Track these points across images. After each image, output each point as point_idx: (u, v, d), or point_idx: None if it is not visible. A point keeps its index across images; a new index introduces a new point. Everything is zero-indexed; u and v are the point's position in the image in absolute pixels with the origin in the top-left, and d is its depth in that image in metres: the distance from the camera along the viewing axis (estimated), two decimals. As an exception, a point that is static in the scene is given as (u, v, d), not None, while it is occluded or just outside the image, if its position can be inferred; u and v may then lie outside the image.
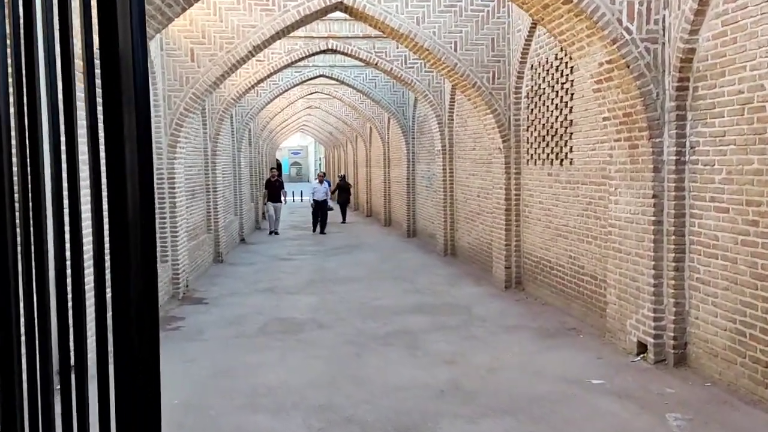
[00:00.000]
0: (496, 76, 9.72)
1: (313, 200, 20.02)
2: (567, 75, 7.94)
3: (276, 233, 19.66)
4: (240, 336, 7.67)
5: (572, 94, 7.82)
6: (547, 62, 8.56)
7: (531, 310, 8.57)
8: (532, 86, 9.17)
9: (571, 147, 7.91)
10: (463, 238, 13.16)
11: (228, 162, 16.10)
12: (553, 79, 8.38)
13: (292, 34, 12.42)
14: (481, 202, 11.70)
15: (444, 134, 13.69)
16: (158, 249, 9.36)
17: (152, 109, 9.09)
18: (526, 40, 9.07)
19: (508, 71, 9.71)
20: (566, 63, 7.94)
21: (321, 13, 9.59)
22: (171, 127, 9.36)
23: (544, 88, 8.68)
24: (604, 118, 6.33)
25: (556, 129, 8.32)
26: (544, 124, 8.74)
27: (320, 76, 17.43)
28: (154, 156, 9.23)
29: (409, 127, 17.85)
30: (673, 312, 5.64)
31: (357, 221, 25.69)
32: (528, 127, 9.36)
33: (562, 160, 8.20)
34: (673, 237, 5.61)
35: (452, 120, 13.56)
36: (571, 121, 7.88)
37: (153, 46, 8.84)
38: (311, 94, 21.67)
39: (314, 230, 20.02)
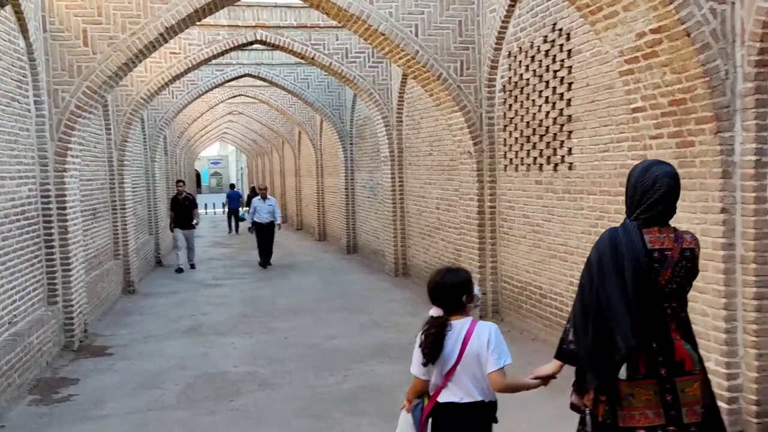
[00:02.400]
0: (464, 67, 8.16)
1: (253, 222, 14.73)
2: (562, 61, 6.46)
3: (192, 266, 14.64)
4: (154, 408, 5.70)
5: (570, 84, 6.35)
6: (532, 47, 7.06)
7: (521, 348, 6.99)
8: (510, 77, 7.66)
9: (570, 149, 6.42)
10: (417, 256, 11.55)
11: (140, 174, 13.88)
12: (541, 66, 6.88)
13: (213, 21, 10.51)
14: (442, 214, 10.12)
15: (392, 138, 12.06)
16: (42, 287, 7.23)
17: (32, 107, 6.98)
18: (502, 22, 7.55)
19: (479, 60, 8.17)
20: (561, 46, 6.46)
21: (251, -12, 7.75)
22: (59, 131, 7.27)
23: (528, 79, 7.19)
24: (634, 110, 4.83)
25: (547, 127, 6.83)
26: (528, 122, 7.24)
27: (245, 75, 15.50)
28: (36, 168, 7.12)
29: (346, 131, 16.14)
30: (754, 367, 4.18)
31: (287, 235, 23.67)
32: (505, 126, 7.84)
33: (556, 164, 6.70)
34: (753, 266, 4.16)
35: (401, 122, 11.95)
36: (569, 116, 6.39)
37: (32, 26, 6.76)
38: (234, 97, 19.59)
39: (261, 262, 14.60)
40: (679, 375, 2.60)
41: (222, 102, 19.87)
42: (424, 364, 2.86)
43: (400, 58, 8.33)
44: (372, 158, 14.50)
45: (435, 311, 2.91)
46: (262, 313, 9.76)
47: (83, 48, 7.25)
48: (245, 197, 41.19)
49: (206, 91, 15.29)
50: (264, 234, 14.72)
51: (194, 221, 14.76)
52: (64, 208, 7.44)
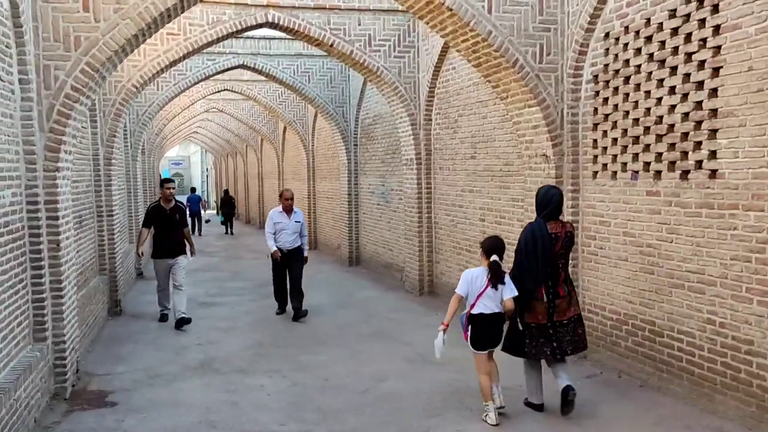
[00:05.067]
0: (544, 51, 6.83)
1: (278, 249, 9.40)
2: (704, 40, 5.17)
3: (183, 321, 8.84)
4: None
5: (717, 69, 5.06)
6: (648, 24, 5.77)
7: (632, 400, 5.68)
8: (607, 64, 6.35)
9: (713, 152, 5.14)
10: (449, 273, 10.17)
11: (121, 174, 12.16)
12: (664, 49, 5.59)
13: None
14: (490, 228, 8.76)
15: (419, 139, 10.66)
16: (28, 320, 5.60)
17: (16, 88, 5.36)
18: (600, -3, 6.24)
19: (562, 44, 6.85)
20: (702, 21, 5.17)
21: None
22: (50, 119, 5.66)
23: (640, 65, 5.89)
24: None
25: (672, 125, 5.53)
26: (638, 119, 5.94)
27: (240, 66, 13.93)
28: (22, 166, 5.50)
29: (350, 131, 14.68)
30: None
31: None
32: (597, 124, 6.53)
33: (686, 171, 5.41)
34: None
35: (430, 120, 10.56)
36: (715, 111, 5.11)
37: (17, -20, 5.15)
38: (218, 92, 17.92)
39: (279, 307, 9.81)
40: (558, 298, 5.14)
41: (205, 97, 18.18)
42: (494, 287, 5.11)
43: (465, 41, 6.95)
44: (384, 161, 13.09)
45: (495, 257, 5.14)
46: (282, 342, 8.24)
47: (83, 14, 5.65)
48: (212, 202, 39.81)
49: (195, 83, 13.66)
50: (288, 266, 9.42)
51: (188, 249, 9.37)
52: (56, 218, 5.82)
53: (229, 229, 26.47)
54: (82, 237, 8.10)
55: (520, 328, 5.23)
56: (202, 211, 28.16)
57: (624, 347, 6.21)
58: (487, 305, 5.10)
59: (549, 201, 5.20)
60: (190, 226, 26.71)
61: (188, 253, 9.42)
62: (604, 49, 6.38)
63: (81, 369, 6.70)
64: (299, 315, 9.29)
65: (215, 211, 31.63)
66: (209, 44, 9.80)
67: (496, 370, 5.33)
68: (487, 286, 5.07)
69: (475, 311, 5.11)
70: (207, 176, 56.94)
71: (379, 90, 11.04)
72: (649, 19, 5.76)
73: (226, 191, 30.74)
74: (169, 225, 9.17)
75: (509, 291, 5.10)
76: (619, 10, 6.15)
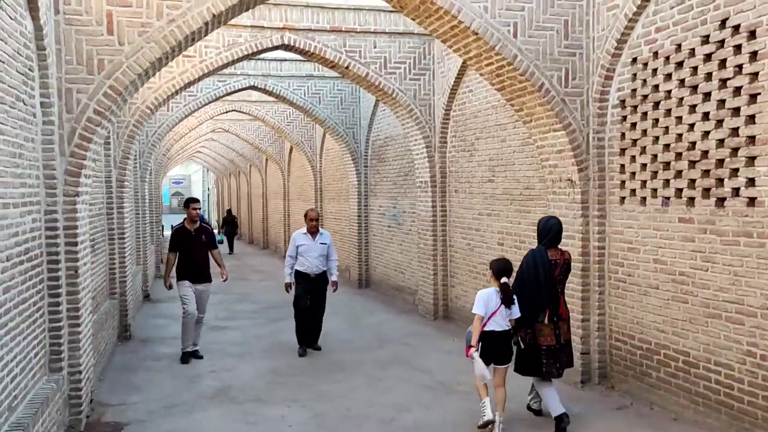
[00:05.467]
0: (569, 76, 6.75)
1: (297, 274, 8.70)
2: (739, 66, 5.08)
3: (194, 354, 8.45)
4: None
5: (755, 96, 4.96)
6: (679, 50, 5.68)
7: None
8: (635, 89, 6.27)
9: (751, 179, 5.02)
10: (465, 297, 10.01)
11: (131, 196, 12.03)
12: (697, 75, 5.50)
13: (234, 21, 8.92)
14: (509, 252, 8.61)
15: (433, 161, 10.57)
16: (44, 349, 5.44)
17: (38, 111, 5.26)
18: (628, 21, 6.17)
19: (588, 69, 6.77)
20: (737, 47, 5.09)
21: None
22: (72, 143, 5.54)
23: (671, 91, 5.79)
24: None
25: (706, 151, 5.43)
26: (669, 145, 5.83)
27: (250, 87, 13.87)
28: (42, 191, 5.37)
29: (360, 152, 14.60)
30: None
31: (277, 264, 21.91)
32: (624, 149, 6.43)
33: (722, 199, 5.29)
34: None
35: (445, 143, 10.47)
36: (752, 137, 5.00)
37: (42, 3, 5.06)
38: (226, 112, 17.87)
39: (300, 346, 8.71)
40: (560, 320, 5.54)
41: (212, 117, 18.12)
42: (507, 306, 5.45)
43: (490, 64, 6.87)
44: (395, 183, 12.99)
45: (505, 279, 5.46)
46: (297, 368, 8.06)
47: (107, 37, 5.57)
48: (213, 221, 39.75)
49: (206, 104, 13.58)
50: (310, 294, 8.67)
51: (222, 273, 9.00)
52: (75, 244, 5.68)
53: (230, 248, 26.47)
54: (94, 261, 7.96)
55: (522, 347, 5.61)
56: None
57: (656, 378, 6.04)
58: (498, 323, 5.49)
59: (549, 230, 5.66)
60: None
61: (221, 276, 9.06)
62: (632, 74, 6.29)
63: (94, 399, 6.52)
64: (313, 346, 8.83)
65: (217, 231, 31.80)
66: (224, 66, 9.73)
67: (503, 399, 5.55)
68: (500, 306, 5.45)
69: (487, 328, 5.47)
70: (208, 195, 56.82)
71: (394, 112, 10.97)
72: (679, 45, 5.68)
73: (229, 211, 30.93)
74: (195, 248, 8.50)
75: (516, 311, 5.54)
76: (647, 36, 6.08)
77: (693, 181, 5.57)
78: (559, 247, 5.69)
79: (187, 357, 8.36)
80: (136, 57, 5.61)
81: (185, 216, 8.72)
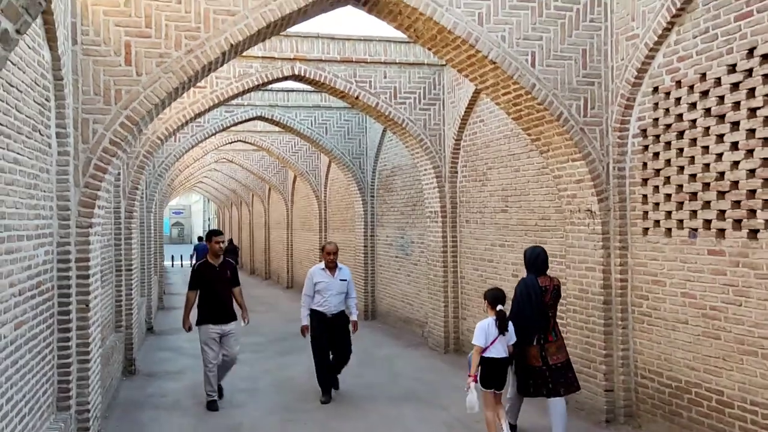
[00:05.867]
0: (588, 105, 6.67)
1: (313, 314, 7.91)
2: (769, 96, 5.00)
3: (214, 399, 7.64)
4: None
5: (786, 126, 4.87)
6: (703, 79, 5.61)
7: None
8: (656, 118, 6.18)
9: (785, 209, 4.90)
10: (478, 329, 9.80)
11: (137, 227, 11.89)
12: (723, 104, 5.41)
13: (246, 52, 8.88)
14: (525, 283, 8.45)
15: (444, 191, 10.46)
16: (53, 387, 5.24)
17: (53, 141, 5.15)
18: (650, 49, 6.11)
19: (607, 98, 6.70)
20: (766, 76, 5.00)
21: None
22: (86, 174, 5.42)
23: (696, 120, 5.70)
24: None
25: (736, 181, 5.31)
26: (695, 175, 5.72)
27: (257, 118, 13.84)
28: (55, 222, 5.23)
29: (367, 182, 14.51)
30: None
31: (276, 294, 21.74)
32: (647, 179, 6.32)
33: (755, 230, 5.15)
34: None
35: (456, 173, 10.38)
36: (785, 168, 4.89)
37: (60, 33, 4.98)
38: (231, 143, 17.84)
39: (324, 393, 7.94)
40: (547, 343, 5.85)
41: (218, 148, 18.09)
42: (502, 332, 5.75)
43: (507, 93, 6.80)
44: (403, 213, 12.87)
45: (500, 307, 5.83)
46: (310, 406, 7.82)
47: (124, 67, 5.49)
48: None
49: (212, 134, 13.53)
50: (331, 336, 7.86)
51: (243, 315, 7.97)
52: (87, 276, 5.53)
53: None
54: (102, 293, 7.78)
55: (515, 369, 6.05)
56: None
57: (687, 418, 5.83)
58: (498, 351, 5.78)
59: (536, 258, 6.05)
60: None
61: (241, 319, 7.90)
62: (653, 103, 6.22)
63: (103, 438, 6.29)
64: (332, 389, 8.09)
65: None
66: (235, 97, 9.69)
67: (503, 411, 5.98)
68: (499, 335, 5.77)
69: (486, 355, 5.76)
70: (209, 225, 56.73)
71: (403, 142, 10.90)
72: (704, 74, 5.61)
73: (230, 240, 30.79)
74: (220, 285, 7.66)
75: (512, 337, 5.86)
76: (669, 65, 6.01)
77: (723, 212, 5.44)
78: (548, 274, 6.10)
79: (215, 404, 7.58)
80: (154, 87, 5.53)
81: (207, 250, 7.96)
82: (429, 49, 6.91)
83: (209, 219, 57.37)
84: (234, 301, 7.87)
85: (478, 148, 9.74)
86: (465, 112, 9.88)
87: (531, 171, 8.37)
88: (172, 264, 36.75)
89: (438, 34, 6.44)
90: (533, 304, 5.85)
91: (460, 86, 10.01)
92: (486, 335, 5.76)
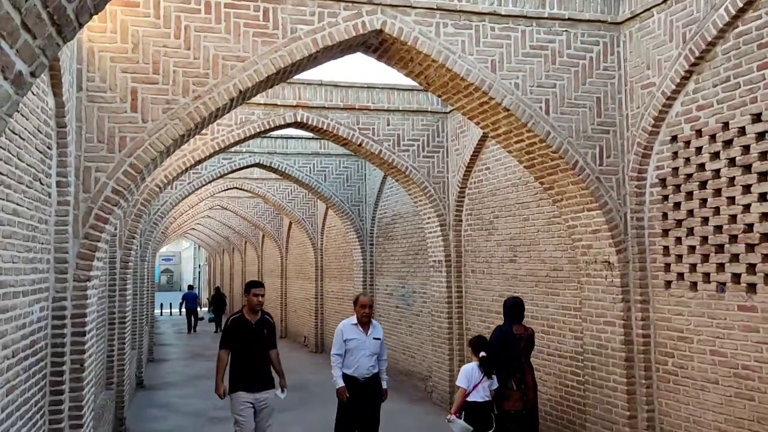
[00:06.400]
0: (603, 154, 6.52)
1: (353, 377, 6.68)
2: (799, 146, 4.84)
3: None
4: None
5: (819, 176, 4.70)
6: (726, 129, 5.47)
7: None
8: (676, 168, 6.02)
9: (821, 263, 4.69)
10: (486, 383, 9.44)
11: (132, 277, 11.53)
12: (748, 154, 5.26)
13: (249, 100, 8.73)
14: (536, 338, 8.15)
15: (448, 240, 10.23)
16: (47, 457, 4.85)
17: (53, 191, 4.89)
18: (668, 98, 5.99)
19: (622, 146, 6.55)
20: (795, 127, 4.86)
21: (350, 45, 6.04)
22: (87, 224, 5.15)
23: (719, 170, 5.54)
24: None
25: (766, 233, 5.11)
26: (721, 227, 5.53)
27: (255, 165, 13.67)
28: (51, 276, 4.92)
29: (366, 230, 14.27)
30: None
31: (272, 344, 21.16)
32: (668, 230, 6.12)
33: (789, 284, 4.93)
34: None
35: (460, 221, 10.17)
36: (819, 220, 4.70)
37: (66, 80, 4.78)
38: (226, 189, 17.61)
39: None
40: (527, 388, 6.21)
41: (213, 195, 17.86)
42: (488, 376, 6.12)
43: (520, 141, 6.64)
44: (404, 261, 12.60)
45: (483, 354, 6.19)
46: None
47: (130, 114, 5.28)
48: (204, 299, 39.26)
49: (210, 182, 13.31)
50: (360, 402, 6.67)
51: (280, 383, 6.65)
52: (83, 334, 5.19)
53: (218, 327, 26.00)
54: (96, 351, 7.40)
55: (496, 413, 6.21)
56: (199, 309, 27.80)
57: (719, 482, 5.49)
58: (480, 395, 6.05)
59: (513, 308, 6.47)
60: (191, 325, 26.90)
61: (278, 387, 6.62)
62: (672, 152, 6.07)
63: (94, 507, 5.84)
64: None
65: (207, 309, 31.13)
66: (236, 143, 9.51)
67: None
68: (482, 379, 6.07)
69: (470, 399, 6.03)
70: (199, 273, 55.99)
71: (406, 190, 10.72)
72: (726, 123, 5.47)
73: (218, 288, 30.42)
74: (256, 345, 6.38)
75: (496, 382, 6.16)
76: (687, 114, 5.89)
77: (753, 265, 5.22)
78: (523, 323, 6.53)
79: None
80: (159, 134, 5.31)
81: (244, 303, 6.63)
82: (439, 96, 6.78)
83: (199, 266, 56.66)
84: (272, 364, 6.61)
85: (483, 196, 9.56)
86: (470, 159, 9.74)
87: (541, 220, 8.17)
88: (161, 312, 36.07)
89: (450, 81, 6.31)
90: (507, 351, 6.23)
91: (464, 134, 9.89)
92: (469, 379, 6.09)
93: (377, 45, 6.17)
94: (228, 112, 5.95)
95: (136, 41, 5.33)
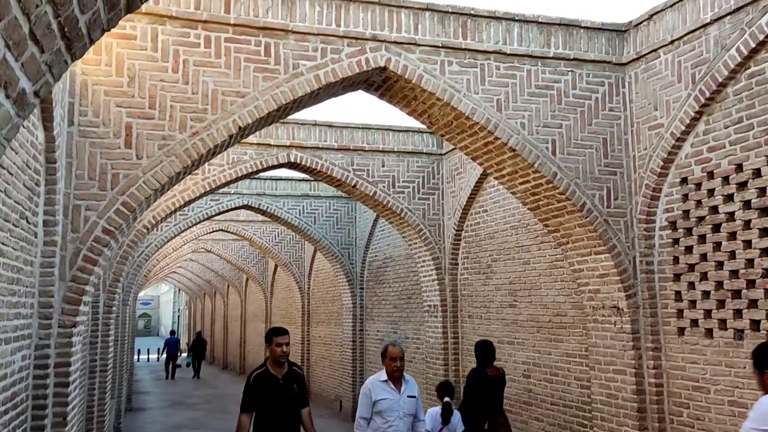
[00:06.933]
0: (611, 195, 6.36)
1: None
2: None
3: None
4: None
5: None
6: (739, 171, 5.34)
7: None
8: (687, 210, 5.87)
9: None
10: (484, 434, 9.06)
11: (114, 323, 11.07)
12: (765, 195, 5.12)
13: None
14: (538, 387, 7.87)
15: (444, 284, 9.97)
16: None
17: (39, 231, 4.58)
18: (677, 139, 5.87)
19: (630, 188, 6.41)
20: (814, 168, 4.74)
21: (353, 82, 5.88)
22: (74, 266, 4.83)
23: (734, 213, 5.39)
24: None
25: (786, 278, 4.94)
26: (737, 272, 5.34)
27: (244, 207, 13.38)
28: (35, 322, 4.57)
29: (356, 273, 13.97)
30: None
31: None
32: (679, 274, 5.93)
33: (812, 331, 4.73)
34: None
35: (456, 265, 9.93)
36: (844, 264, 4.53)
37: (57, 113, 4.52)
38: (212, 232, 17.26)
39: None
40: (498, 427, 6.55)
41: (198, 237, 17.47)
42: (445, 422, 6.10)
43: (525, 182, 6.47)
44: (396, 306, 12.28)
45: (447, 399, 6.19)
46: None
47: (124, 150, 5.02)
48: (183, 344, 38.32)
49: (196, 224, 13.01)
50: None
51: None
52: (66, 385, 4.81)
53: (196, 373, 25.63)
54: (79, 402, 6.95)
55: None
56: (180, 355, 27.04)
57: None
58: None
59: (485, 350, 6.70)
60: (169, 371, 25.96)
61: None
62: (682, 194, 5.92)
63: None
64: None
65: (186, 354, 30.21)
66: (227, 184, 9.26)
67: None
68: (442, 425, 6.12)
69: None
70: (179, 317, 54.81)
71: (401, 232, 10.48)
72: (740, 165, 5.35)
73: (199, 333, 29.66)
74: (285, 404, 5.25)
75: (457, 426, 6.19)
76: (698, 156, 5.77)
77: (774, 310, 5.03)
78: (495, 365, 6.85)
79: None
80: (154, 171, 5.06)
81: (267, 355, 5.47)
82: (442, 135, 6.62)
83: (179, 310, 55.50)
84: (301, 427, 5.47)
85: (481, 239, 9.35)
86: (467, 201, 9.56)
87: (543, 264, 7.96)
88: (138, 358, 35.09)
89: (454, 120, 6.16)
90: (485, 391, 6.36)
91: (460, 175, 9.74)
92: (433, 423, 6.13)
93: (380, 83, 6.02)
94: (226, 149, 5.73)
95: (132, 75, 5.11)
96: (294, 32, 5.47)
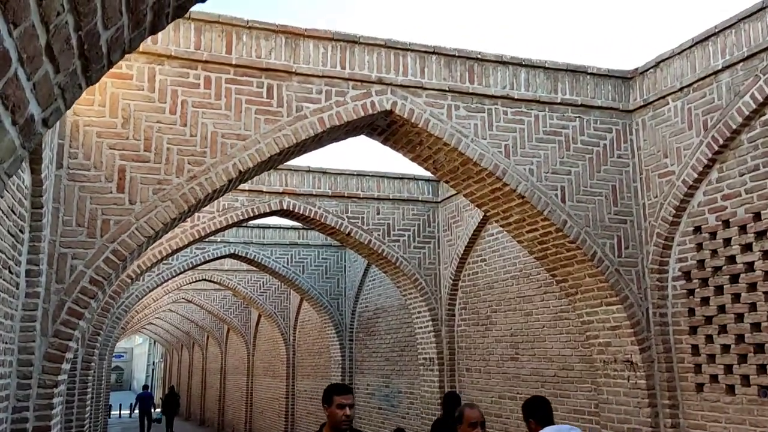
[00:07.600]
0: (622, 245, 6.15)
1: None
2: None
3: None
4: None
5: None
6: (758, 218, 5.16)
7: None
8: (702, 260, 5.66)
9: None
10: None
11: (91, 379, 10.50)
12: (788, 245, 4.94)
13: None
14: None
15: (440, 336, 9.61)
16: None
17: (21, 281, 4.22)
18: (689, 187, 5.71)
19: (641, 237, 6.20)
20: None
21: (357, 126, 5.67)
22: (57, 320, 4.44)
23: (753, 263, 5.19)
24: None
25: (814, 331, 4.71)
26: (759, 324, 5.11)
27: (230, 256, 12.99)
28: (12, 382, 4.16)
29: (345, 325, 13.54)
30: None
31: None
32: (696, 327, 5.68)
33: None
34: None
35: (453, 316, 9.61)
36: None
37: (46, 155, 4.22)
38: (195, 281, 16.78)
39: None
40: None
41: (180, 288, 16.97)
42: None
43: (533, 231, 6.24)
44: (388, 359, 11.85)
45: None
46: None
47: (116, 194, 4.71)
48: (158, 398, 37.01)
49: (179, 273, 12.55)
50: None
51: None
52: (44, 453, 4.37)
53: (169, 428, 25.18)
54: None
55: None
56: (154, 410, 26.10)
57: None
58: None
59: (450, 400, 6.88)
60: (144, 427, 25.00)
61: None
62: (696, 243, 5.73)
63: None
64: None
65: (160, 409, 29.11)
66: (216, 232, 8.94)
67: None
68: None
69: None
70: (153, 371, 53.10)
71: (395, 282, 10.17)
72: (758, 213, 5.18)
73: (172, 387, 28.88)
74: None
75: None
76: (712, 204, 5.60)
77: (800, 366, 4.79)
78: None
79: None
80: (148, 217, 4.74)
81: (327, 419, 3.82)
82: (447, 182, 6.40)
83: (154, 363, 53.84)
84: None
85: (479, 290, 9.06)
86: (464, 250, 9.31)
87: (547, 315, 7.68)
88: (110, 414, 33.76)
89: (461, 165, 5.95)
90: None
91: (457, 224, 9.52)
92: None
93: (384, 127, 5.82)
94: (225, 193, 5.44)
95: (127, 116, 4.85)
96: (297, 74, 5.27)
